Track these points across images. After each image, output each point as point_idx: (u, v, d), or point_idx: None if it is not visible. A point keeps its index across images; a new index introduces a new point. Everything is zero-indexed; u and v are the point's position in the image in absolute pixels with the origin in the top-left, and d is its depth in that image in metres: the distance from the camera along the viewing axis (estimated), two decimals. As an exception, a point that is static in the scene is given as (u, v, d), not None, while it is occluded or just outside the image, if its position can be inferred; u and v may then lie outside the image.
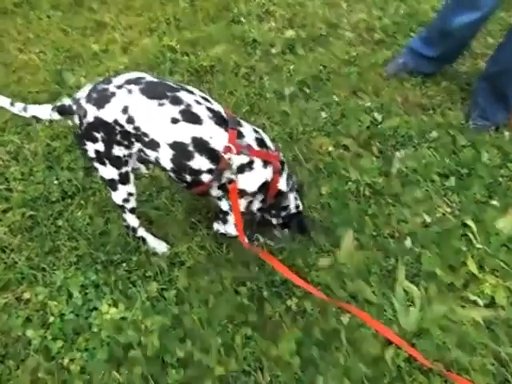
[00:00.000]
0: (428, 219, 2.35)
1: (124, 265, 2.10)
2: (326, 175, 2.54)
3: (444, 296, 2.07)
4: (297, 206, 2.13)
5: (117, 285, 2.03)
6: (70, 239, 2.20)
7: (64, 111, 1.86)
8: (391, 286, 2.10)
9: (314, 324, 1.95)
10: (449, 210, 2.39)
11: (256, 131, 1.92)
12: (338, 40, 3.55)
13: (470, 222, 2.30)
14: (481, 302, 2.04)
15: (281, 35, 3.56)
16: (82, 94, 1.79)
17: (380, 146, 2.70)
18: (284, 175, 1.99)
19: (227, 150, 1.76)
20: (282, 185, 1.99)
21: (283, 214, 2.12)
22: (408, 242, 2.25)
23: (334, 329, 1.94)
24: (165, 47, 3.37)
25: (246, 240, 2.06)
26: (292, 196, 2.08)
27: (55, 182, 2.42)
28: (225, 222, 2.05)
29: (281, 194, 2.02)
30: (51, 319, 1.91)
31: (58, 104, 1.88)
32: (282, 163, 1.98)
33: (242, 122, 1.90)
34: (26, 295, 2.02)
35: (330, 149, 2.66)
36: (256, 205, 2.01)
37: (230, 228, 2.06)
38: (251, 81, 3.15)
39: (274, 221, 2.16)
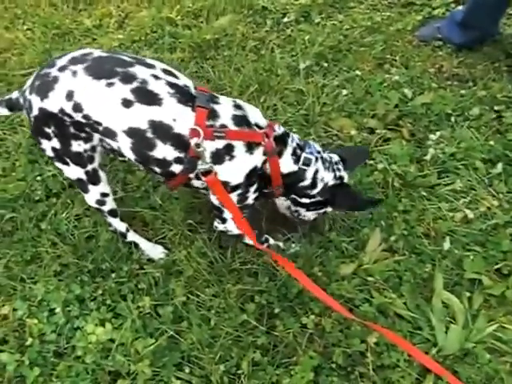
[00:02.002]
0: (470, 214, 2.00)
1: (113, 275, 1.82)
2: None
3: (492, 310, 1.74)
4: (336, 177, 1.71)
5: (104, 300, 1.76)
6: (54, 245, 1.93)
7: (13, 106, 1.61)
8: (427, 297, 1.78)
9: (334, 346, 1.65)
10: (495, 202, 2.03)
11: (238, 107, 1.56)
12: (360, 4, 3.16)
13: (521, 218, 1.93)
14: (538, 318, 1.69)
15: (294, 1, 3.17)
16: (27, 84, 1.52)
17: (411, 127, 2.32)
18: (288, 151, 1.61)
19: (194, 133, 1.44)
20: (288, 165, 1.62)
21: (314, 191, 1.70)
22: (446, 243, 1.91)
23: (359, 352, 1.64)
24: (163, 20, 3.03)
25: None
26: (319, 173, 1.67)
27: (38, 178, 2.14)
28: (222, 219, 1.72)
29: (288, 175, 1.64)
30: (29, 341, 1.66)
31: (6, 97, 1.63)
32: (283, 137, 1.61)
33: (221, 97, 1.56)
34: (4, 310, 1.77)
35: (353, 132, 2.30)
36: (251, 196, 1.65)
37: (230, 225, 1.72)
38: (261, 55, 2.79)
39: (306, 200, 1.74)
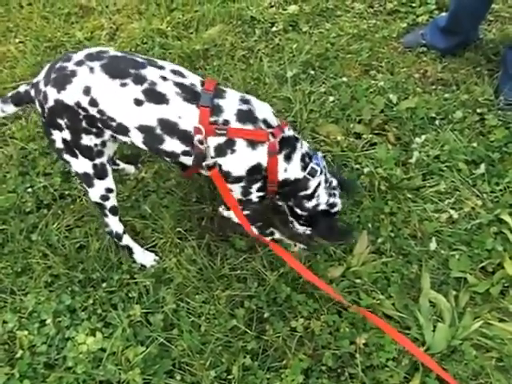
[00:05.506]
0: (455, 215, 2.03)
1: (104, 285, 1.84)
2: (335, 169, 2.22)
3: (477, 307, 1.77)
4: (331, 205, 1.77)
5: (95, 309, 1.77)
6: (45, 256, 1.95)
7: (20, 100, 1.68)
8: (415, 297, 1.81)
9: (324, 349, 1.67)
10: (479, 202, 2.06)
11: (245, 101, 1.60)
12: (347, 13, 3.18)
13: (505, 217, 1.97)
14: (523, 314, 1.72)
15: (283, 11, 3.20)
16: (40, 76, 1.58)
17: (397, 131, 2.36)
18: (297, 156, 1.64)
19: (197, 131, 1.52)
20: (295, 170, 1.64)
21: (307, 205, 1.73)
22: (433, 244, 1.94)
23: (349, 354, 1.65)
24: (154, 31, 3.07)
25: (255, 230, 1.79)
26: (320, 187, 1.71)
27: (29, 189, 2.16)
28: (227, 206, 1.77)
29: (293, 182, 1.67)
30: (20, 353, 1.67)
31: (12, 93, 1.69)
32: (292, 141, 1.64)
33: (228, 91, 1.62)
34: (-6, 323, 1.78)
35: (339, 138, 2.33)
36: (254, 193, 1.69)
37: (233, 213, 1.76)
38: (249, 64, 2.83)
39: (299, 211, 1.78)
